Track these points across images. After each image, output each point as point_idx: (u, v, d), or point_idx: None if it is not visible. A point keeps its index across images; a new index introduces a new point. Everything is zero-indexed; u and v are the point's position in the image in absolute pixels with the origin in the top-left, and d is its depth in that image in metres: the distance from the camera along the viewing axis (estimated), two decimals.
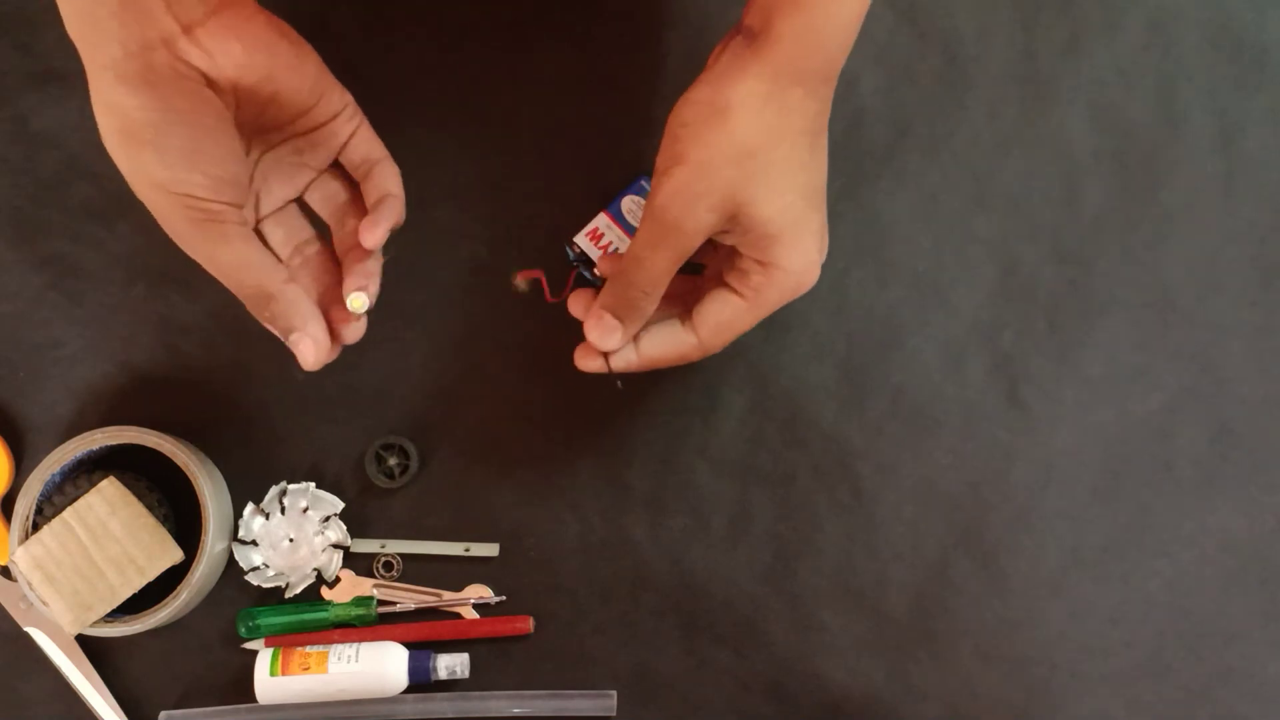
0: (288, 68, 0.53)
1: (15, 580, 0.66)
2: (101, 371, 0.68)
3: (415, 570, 0.68)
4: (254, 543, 0.68)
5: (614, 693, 0.67)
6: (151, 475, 0.66)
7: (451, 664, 0.66)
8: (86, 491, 0.64)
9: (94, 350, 0.68)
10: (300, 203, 0.59)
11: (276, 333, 0.56)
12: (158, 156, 0.50)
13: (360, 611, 0.67)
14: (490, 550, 0.68)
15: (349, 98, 0.57)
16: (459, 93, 0.68)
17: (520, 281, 0.61)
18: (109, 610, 0.63)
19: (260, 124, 0.55)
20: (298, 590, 0.68)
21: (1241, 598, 0.68)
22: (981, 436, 0.68)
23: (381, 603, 0.68)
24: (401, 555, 0.68)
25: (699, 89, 0.54)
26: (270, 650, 0.66)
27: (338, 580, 0.68)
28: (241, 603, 0.68)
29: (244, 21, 0.51)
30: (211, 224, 0.52)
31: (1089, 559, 0.68)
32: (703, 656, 0.68)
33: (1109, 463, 0.68)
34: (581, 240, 0.65)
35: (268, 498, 0.68)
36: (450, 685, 0.67)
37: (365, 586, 0.68)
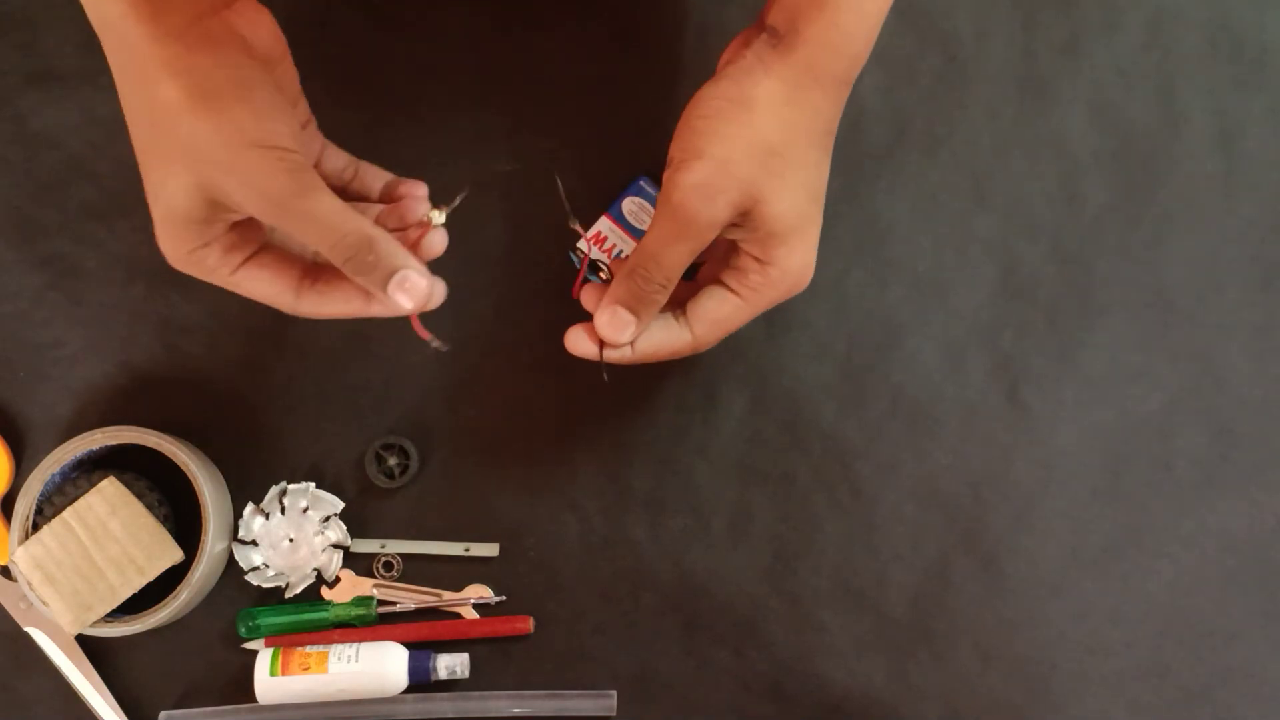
0: (285, 59, 0.55)
1: (15, 580, 0.66)
2: (101, 371, 0.68)
3: (415, 570, 0.68)
4: (254, 543, 0.67)
5: (614, 693, 0.67)
6: (151, 475, 0.66)
7: (451, 664, 0.66)
8: (86, 491, 0.64)
9: (94, 350, 0.68)
10: None
11: (369, 284, 0.52)
12: (249, 110, 0.49)
13: (360, 611, 0.67)
14: (490, 550, 0.68)
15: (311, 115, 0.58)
16: (457, 94, 0.68)
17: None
18: (109, 610, 0.63)
19: None
20: (298, 590, 0.68)
21: (1241, 598, 0.68)
22: (981, 436, 0.68)
23: (381, 603, 0.68)
24: (401, 555, 0.68)
25: (721, 84, 0.54)
26: (270, 650, 0.66)
27: (338, 580, 0.68)
28: (241, 603, 0.68)
29: (259, 9, 0.53)
30: (307, 173, 0.50)
31: (1089, 559, 0.68)
32: (703, 656, 0.68)
33: (1109, 463, 0.68)
34: (585, 245, 0.65)
35: (268, 498, 0.68)
36: (450, 685, 0.67)
37: (365, 586, 0.68)
